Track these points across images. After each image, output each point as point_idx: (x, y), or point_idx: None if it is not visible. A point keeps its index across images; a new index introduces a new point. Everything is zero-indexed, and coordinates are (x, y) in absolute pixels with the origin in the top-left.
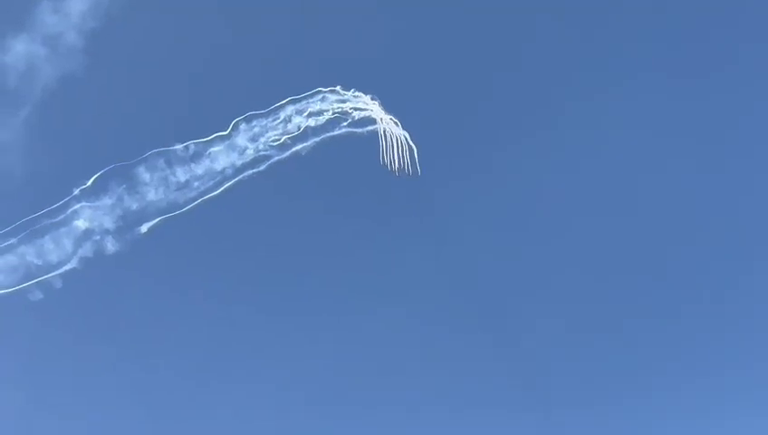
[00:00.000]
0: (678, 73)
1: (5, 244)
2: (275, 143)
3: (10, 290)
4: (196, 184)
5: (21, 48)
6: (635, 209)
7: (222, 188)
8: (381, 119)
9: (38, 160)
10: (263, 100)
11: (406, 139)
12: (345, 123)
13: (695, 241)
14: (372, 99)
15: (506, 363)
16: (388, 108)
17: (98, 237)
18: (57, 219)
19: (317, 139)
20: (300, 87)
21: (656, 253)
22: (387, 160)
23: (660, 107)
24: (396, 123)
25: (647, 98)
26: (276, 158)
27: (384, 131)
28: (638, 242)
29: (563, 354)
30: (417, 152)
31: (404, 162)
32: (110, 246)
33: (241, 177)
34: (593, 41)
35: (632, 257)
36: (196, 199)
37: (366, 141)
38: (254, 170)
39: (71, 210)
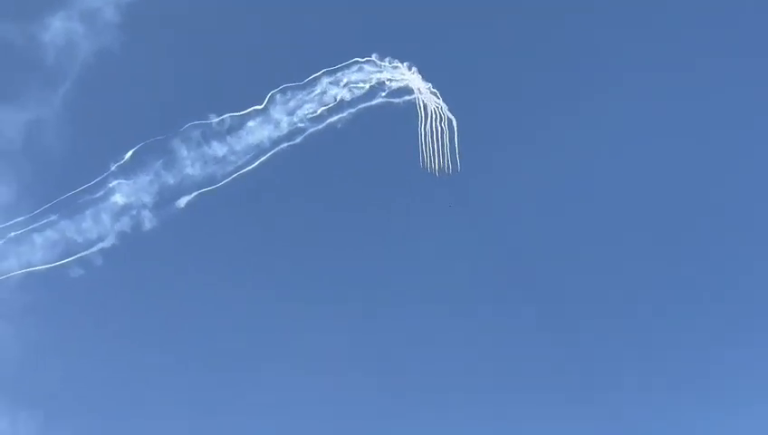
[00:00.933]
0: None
1: (45, 220)
2: (311, 115)
3: (50, 266)
4: (232, 158)
5: (59, 25)
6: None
7: (258, 162)
8: (419, 88)
9: (77, 136)
10: (298, 72)
11: (443, 110)
12: (382, 94)
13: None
14: (410, 68)
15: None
16: (426, 77)
17: (135, 213)
18: (95, 195)
19: (353, 110)
20: (335, 58)
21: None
22: (427, 163)
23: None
24: (434, 93)
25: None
26: (312, 130)
27: (422, 101)
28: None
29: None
30: (457, 123)
31: (444, 161)
32: (148, 221)
33: (277, 149)
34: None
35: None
36: (233, 174)
37: (403, 111)
38: (290, 143)
39: (108, 186)
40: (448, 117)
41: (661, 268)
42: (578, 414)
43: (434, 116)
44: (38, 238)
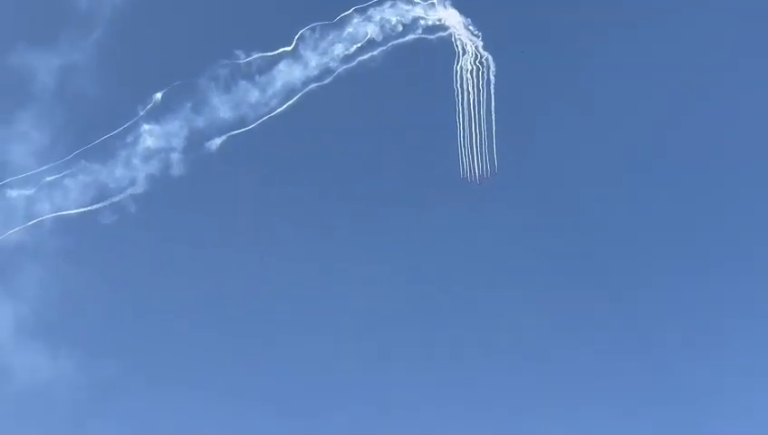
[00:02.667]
0: None
1: (77, 166)
2: (342, 55)
3: (82, 210)
4: (262, 99)
5: None
6: None
7: (288, 103)
8: (455, 25)
9: (109, 81)
10: (328, 10)
11: (479, 48)
12: (416, 31)
13: None
14: (444, 4)
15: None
16: (463, 12)
17: (165, 156)
18: (126, 140)
19: (385, 48)
20: None
21: None
22: (467, 172)
23: None
24: (470, 30)
25: None
26: (342, 69)
27: (458, 38)
28: None
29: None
30: (493, 60)
31: (484, 168)
32: (178, 165)
33: (307, 90)
34: None
35: None
36: (263, 116)
37: (438, 49)
38: (320, 83)
39: (139, 130)
40: (485, 55)
41: None
42: None
43: (470, 55)
44: (70, 183)
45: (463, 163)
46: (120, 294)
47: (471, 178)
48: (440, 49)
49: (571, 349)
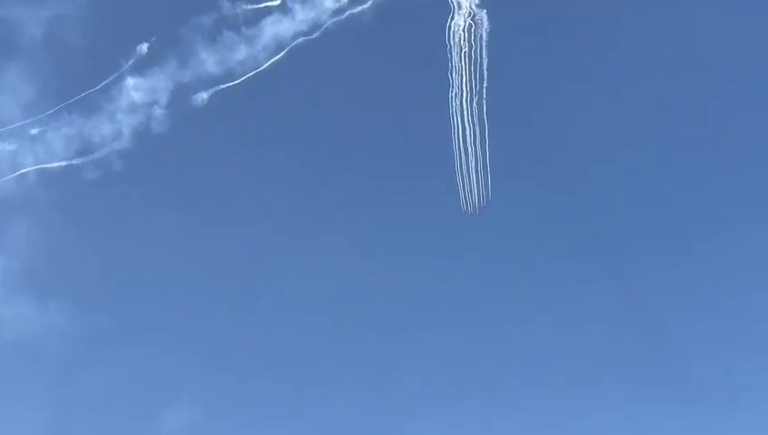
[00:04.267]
0: None
1: (62, 119)
2: (332, 7)
3: (66, 164)
4: (249, 53)
5: None
6: None
7: (275, 58)
8: None
9: (98, 33)
10: None
11: (473, 6)
12: None
13: None
14: None
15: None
16: None
17: (150, 111)
18: (111, 93)
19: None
20: None
21: None
22: (468, 205)
23: None
24: None
25: None
26: (331, 22)
27: None
28: None
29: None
30: (488, 17)
31: (480, 196)
32: (163, 120)
33: (294, 44)
34: None
35: None
36: (250, 70)
37: (432, 2)
38: (308, 37)
39: (124, 83)
40: (480, 12)
41: None
42: None
43: (465, 11)
44: (55, 137)
45: (462, 194)
46: (108, 246)
47: (471, 210)
48: (435, 3)
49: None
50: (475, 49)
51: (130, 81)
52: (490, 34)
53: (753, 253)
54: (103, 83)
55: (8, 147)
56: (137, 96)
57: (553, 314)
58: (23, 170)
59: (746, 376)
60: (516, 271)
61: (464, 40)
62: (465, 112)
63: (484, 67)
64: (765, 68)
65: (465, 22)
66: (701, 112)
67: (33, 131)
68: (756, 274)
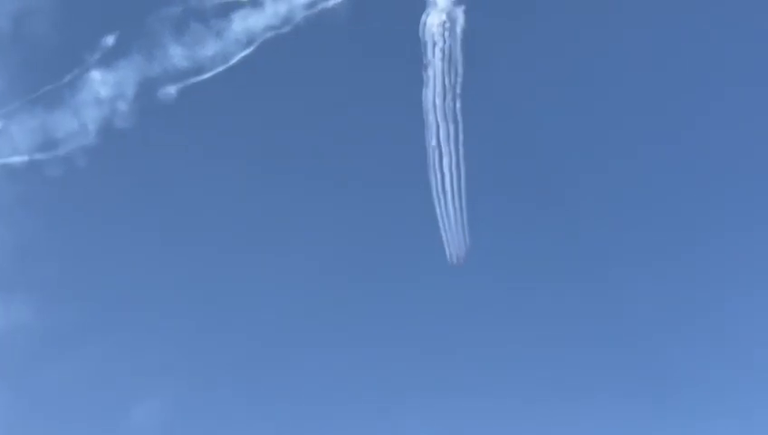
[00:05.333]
0: None
1: (25, 113)
2: (302, 0)
3: (28, 159)
4: (217, 47)
5: None
6: None
7: (245, 52)
8: None
9: (64, 24)
10: None
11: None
12: None
13: None
14: None
15: None
16: None
17: (116, 105)
18: (75, 87)
19: None
20: None
21: None
22: (452, 255)
23: None
24: None
25: None
26: (303, 16)
27: None
28: None
29: None
30: (464, 14)
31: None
32: (130, 114)
33: (265, 38)
34: None
35: None
36: (219, 64)
37: None
38: (280, 31)
39: (88, 76)
40: (456, 10)
41: None
42: None
43: (441, 7)
44: (17, 131)
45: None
46: (73, 242)
47: (456, 260)
48: None
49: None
50: (451, 46)
51: (96, 74)
52: (466, 32)
53: (735, 259)
54: (68, 77)
55: None
56: (102, 90)
57: (534, 318)
58: None
59: (724, 381)
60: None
61: (439, 36)
62: (439, 110)
63: (459, 64)
64: (748, 76)
65: (440, 19)
66: (683, 120)
67: None
68: (736, 280)
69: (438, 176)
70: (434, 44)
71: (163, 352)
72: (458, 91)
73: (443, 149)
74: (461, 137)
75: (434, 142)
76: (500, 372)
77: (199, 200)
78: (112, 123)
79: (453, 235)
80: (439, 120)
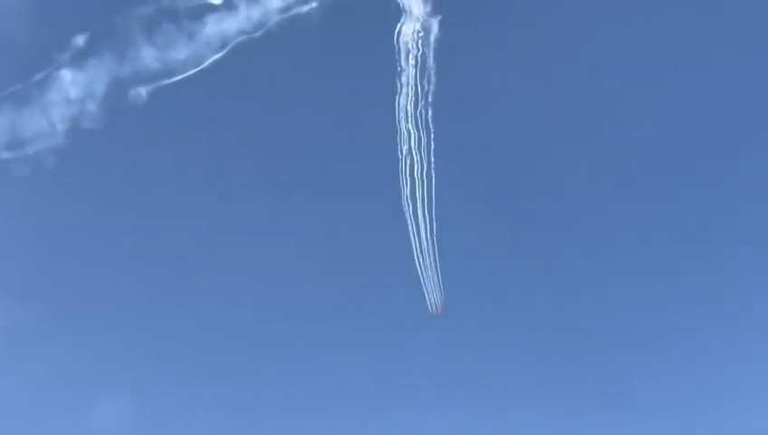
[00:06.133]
0: None
1: None
2: (276, 5)
3: None
4: (189, 49)
5: None
6: None
7: (217, 56)
8: None
9: (34, 22)
10: None
11: (425, 12)
12: None
13: None
14: None
15: None
16: None
17: (85, 106)
18: (44, 86)
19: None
20: None
21: None
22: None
23: None
24: None
25: None
26: (276, 20)
27: None
28: None
29: None
30: (439, 24)
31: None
32: (99, 115)
33: (238, 41)
34: None
35: None
36: (191, 67)
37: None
38: (253, 35)
39: (58, 76)
40: (431, 19)
41: None
42: None
43: (416, 16)
44: None
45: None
46: (39, 242)
47: (437, 309)
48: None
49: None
50: (425, 54)
51: (66, 74)
52: (440, 41)
53: (691, 261)
54: (38, 76)
55: None
56: (72, 90)
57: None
58: None
59: (671, 384)
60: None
61: (413, 45)
62: (411, 117)
63: (432, 73)
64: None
65: (415, 27)
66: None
67: None
68: (687, 283)
69: (409, 183)
70: (408, 52)
71: (129, 350)
72: (430, 99)
73: (414, 157)
74: (432, 145)
75: (405, 149)
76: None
77: (167, 202)
78: (81, 123)
79: (431, 286)
80: (411, 127)
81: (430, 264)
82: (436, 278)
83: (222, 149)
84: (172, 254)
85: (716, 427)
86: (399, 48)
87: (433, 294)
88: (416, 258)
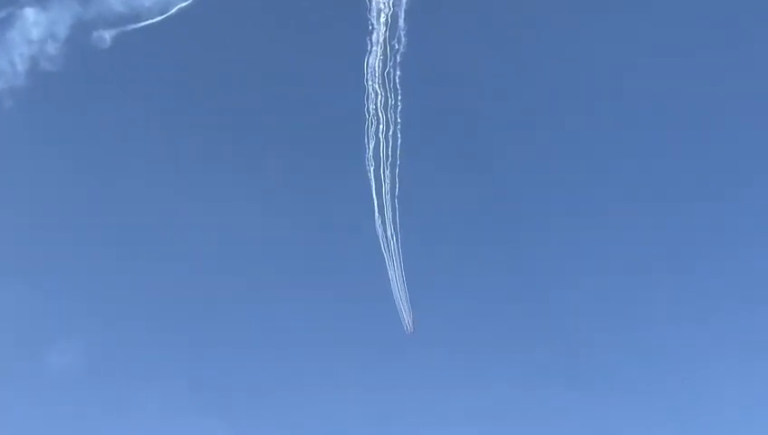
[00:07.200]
0: None
1: None
2: None
3: None
4: None
5: None
6: None
7: (184, 3)
8: None
9: None
10: None
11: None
12: None
13: None
14: None
15: None
16: None
17: (47, 47)
18: (5, 25)
19: None
20: None
21: None
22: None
23: None
24: None
25: None
26: None
27: None
28: None
29: None
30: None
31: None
32: (60, 57)
33: None
34: None
35: None
36: (156, 14)
37: None
38: None
39: (21, 15)
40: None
41: None
42: None
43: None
44: None
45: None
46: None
47: (409, 327)
48: None
49: None
50: (395, 14)
51: (29, 12)
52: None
53: (651, 228)
54: None
55: None
56: (34, 31)
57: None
58: None
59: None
60: None
61: (385, 4)
62: (379, 78)
63: (403, 34)
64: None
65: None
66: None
67: None
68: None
69: (373, 143)
70: (379, 11)
71: (81, 296)
72: (399, 59)
73: (380, 117)
74: (399, 106)
75: (372, 109)
76: None
77: (125, 148)
78: (42, 65)
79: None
80: (378, 87)
81: (395, 255)
82: (399, 259)
83: (185, 98)
84: (124, 198)
85: (673, 396)
86: (371, 6)
87: (405, 312)
88: (376, 220)
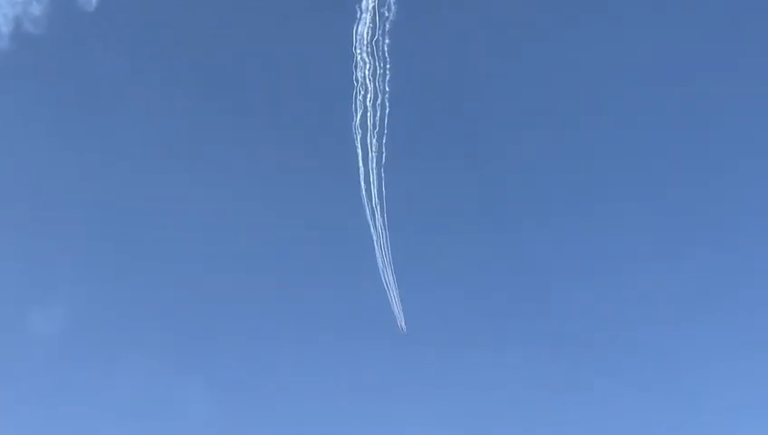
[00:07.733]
0: None
1: None
2: None
3: None
4: None
5: None
6: None
7: None
8: None
9: None
10: None
11: None
12: None
13: None
14: None
15: None
16: None
17: (31, 8)
18: None
19: None
20: None
21: None
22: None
23: None
24: None
25: None
26: None
27: None
28: None
29: None
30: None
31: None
32: (45, 18)
33: None
34: None
35: None
36: None
37: None
38: None
39: None
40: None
41: None
42: None
43: None
44: None
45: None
46: None
47: (401, 328)
48: None
49: None
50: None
51: None
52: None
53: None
54: None
55: None
56: None
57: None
58: None
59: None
60: None
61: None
62: (368, 46)
63: (392, 2)
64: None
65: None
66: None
67: None
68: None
69: (360, 112)
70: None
71: (64, 256)
72: (388, 27)
73: (368, 86)
74: (388, 75)
75: (360, 77)
76: None
77: (110, 112)
78: (25, 27)
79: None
80: (366, 56)
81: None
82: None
83: (173, 60)
84: (109, 167)
85: (673, 396)
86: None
87: (397, 309)
88: (362, 190)
